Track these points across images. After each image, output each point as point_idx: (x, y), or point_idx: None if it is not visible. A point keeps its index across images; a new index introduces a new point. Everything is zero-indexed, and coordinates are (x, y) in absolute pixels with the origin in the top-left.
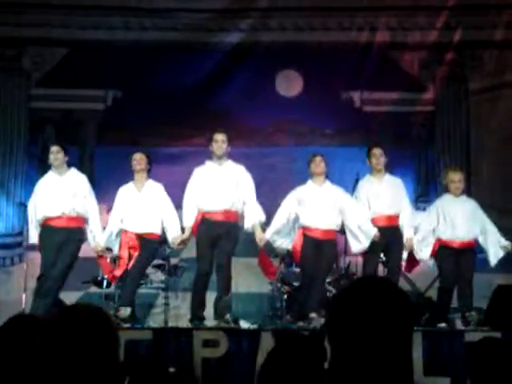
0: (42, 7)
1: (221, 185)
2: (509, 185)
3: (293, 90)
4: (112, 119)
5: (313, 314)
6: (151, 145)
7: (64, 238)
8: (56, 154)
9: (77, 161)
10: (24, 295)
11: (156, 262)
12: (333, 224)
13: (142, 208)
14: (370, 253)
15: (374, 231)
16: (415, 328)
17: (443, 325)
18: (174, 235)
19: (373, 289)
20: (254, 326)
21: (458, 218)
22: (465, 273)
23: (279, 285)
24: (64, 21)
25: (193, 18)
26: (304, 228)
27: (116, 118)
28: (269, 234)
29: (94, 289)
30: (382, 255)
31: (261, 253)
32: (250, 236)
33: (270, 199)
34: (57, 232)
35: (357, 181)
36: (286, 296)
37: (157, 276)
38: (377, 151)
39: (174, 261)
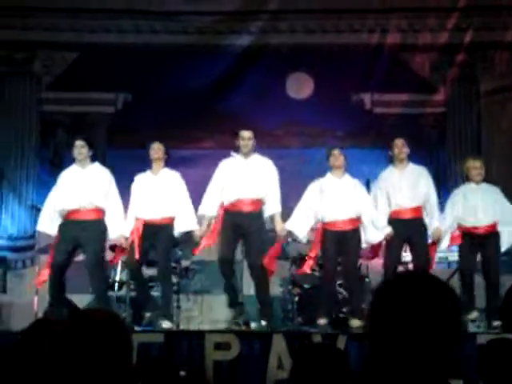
0: (52, 11)
1: (246, 176)
2: None
3: (303, 92)
4: (122, 122)
5: (356, 323)
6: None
7: (83, 232)
8: (80, 148)
9: None
10: (36, 298)
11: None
12: (354, 213)
13: (158, 192)
14: (390, 246)
15: (387, 230)
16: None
17: (474, 314)
18: (188, 226)
19: (419, 284)
20: (266, 328)
21: (479, 203)
22: (491, 260)
23: (290, 287)
24: (74, 24)
25: (203, 21)
26: (324, 223)
27: (126, 120)
28: (289, 225)
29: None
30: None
31: (276, 247)
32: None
33: (280, 201)
34: (75, 225)
35: (368, 183)
36: (297, 298)
37: None
38: (399, 142)
39: (185, 263)
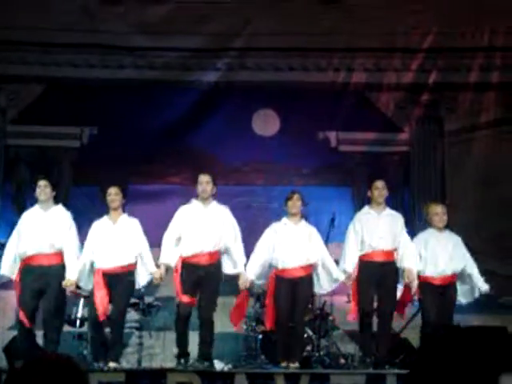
0: (19, 44)
1: (205, 228)
2: (484, 226)
3: (269, 130)
4: (88, 157)
5: (284, 363)
6: (128, 182)
7: (44, 277)
8: (44, 188)
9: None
10: None
11: (130, 300)
12: (309, 260)
13: (117, 240)
14: (362, 290)
15: (341, 277)
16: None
17: None
18: (151, 270)
19: (469, 343)
20: (229, 366)
21: (440, 253)
22: (446, 311)
23: (254, 324)
24: (40, 58)
25: (169, 57)
26: (277, 270)
27: (92, 155)
28: (251, 274)
29: (66, 328)
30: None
31: (242, 296)
32: (226, 275)
33: (245, 238)
34: (36, 270)
35: (332, 220)
36: (260, 336)
37: (131, 315)
38: (379, 184)
39: (148, 299)
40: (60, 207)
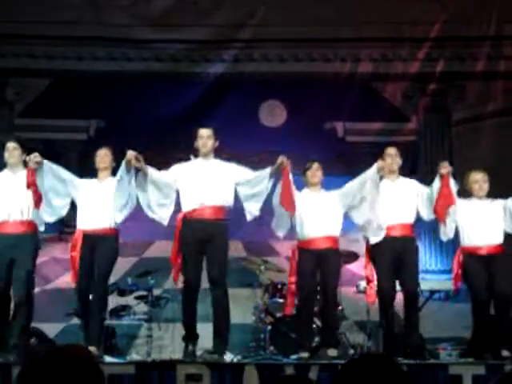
0: (25, 38)
1: (207, 179)
2: None
3: (276, 121)
4: (95, 149)
5: (333, 352)
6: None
7: (13, 248)
8: (12, 150)
9: None
10: None
11: (139, 293)
12: (335, 230)
13: (102, 200)
14: (381, 268)
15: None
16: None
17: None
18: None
19: (372, 367)
20: (238, 358)
21: (480, 222)
22: (498, 283)
23: (263, 315)
24: (46, 51)
25: (176, 49)
26: (300, 241)
27: (99, 148)
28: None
29: (76, 320)
30: None
31: (285, 176)
32: (233, 265)
33: (252, 229)
34: (4, 240)
35: None
36: (269, 327)
37: (140, 307)
38: (392, 150)
39: (156, 292)
40: None
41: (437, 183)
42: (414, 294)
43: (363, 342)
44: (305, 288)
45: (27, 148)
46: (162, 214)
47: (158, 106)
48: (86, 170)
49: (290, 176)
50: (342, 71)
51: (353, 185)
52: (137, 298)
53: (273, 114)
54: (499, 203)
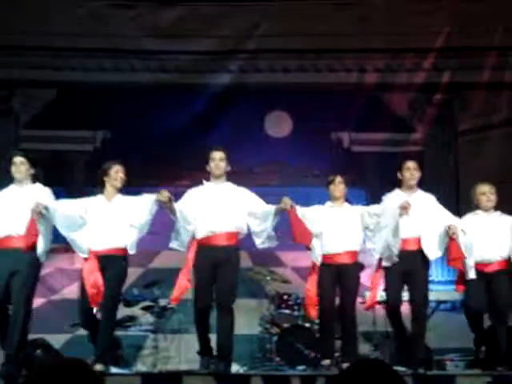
0: (31, 49)
1: (220, 205)
2: None
3: (282, 131)
4: (101, 160)
5: (326, 361)
6: (140, 186)
7: (17, 263)
8: (19, 165)
9: None
10: None
11: (145, 303)
12: (353, 245)
13: (113, 220)
14: (388, 282)
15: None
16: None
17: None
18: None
19: (369, 372)
20: (244, 368)
21: (486, 237)
22: (496, 300)
23: (269, 326)
24: (53, 62)
25: (182, 60)
26: (321, 257)
27: (105, 159)
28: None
29: (82, 331)
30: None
31: (292, 216)
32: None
33: None
34: (8, 255)
35: None
36: (275, 338)
37: (146, 318)
38: (411, 164)
39: (163, 302)
40: (38, 185)
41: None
42: (421, 307)
43: (369, 353)
44: (325, 300)
45: (34, 161)
46: (183, 241)
47: (164, 116)
48: (92, 180)
49: (298, 213)
50: (348, 82)
51: (378, 209)
52: (143, 308)
53: (279, 125)
54: (508, 220)
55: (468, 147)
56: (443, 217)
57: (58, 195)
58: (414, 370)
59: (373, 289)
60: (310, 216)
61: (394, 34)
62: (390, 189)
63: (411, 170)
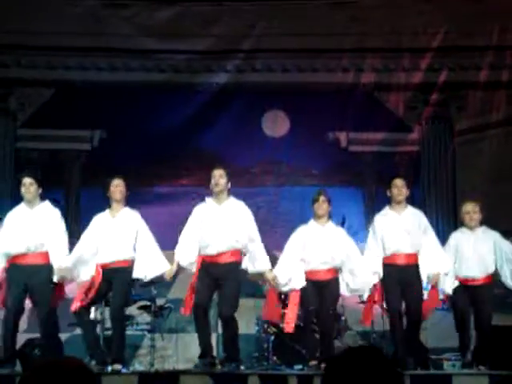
0: (28, 48)
1: (221, 226)
2: (495, 225)
3: (279, 131)
4: (98, 159)
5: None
6: (138, 185)
7: (31, 277)
8: (29, 186)
9: (63, 201)
10: None
11: (142, 303)
12: (334, 263)
13: (115, 234)
14: (389, 291)
15: (369, 284)
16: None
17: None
18: (161, 265)
19: (362, 359)
20: (242, 368)
21: (470, 254)
22: (480, 312)
23: (266, 326)
24: (49, 61)
25: (178, 59)
26: (305, 272)
27: (102, 158)
28: (279, 275)
29: (78, 331)
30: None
31: (271, 293)
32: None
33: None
34: (23, 270)
35: (343, 221)
36: (272, 337)
37: (143, 317)
38: (398, 182)
39: (160, 302)
40: (47, 204)
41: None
42: (417, 315)
43: None
44: (308, 311)
45: (42, 182)
46: (191, 261)
47: (160, 116)
48: (89, 179)
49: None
50: (345, 81)
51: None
52: (140, 308)
53: (276, 125)
54: (492, 235)
55: (465, 147)
56: (427, 244)
57: (55, 195)
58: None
59: (376, 302)
60: (298, 246)
61: (391, 33)
62: (384, 188)
63: (399, 188)
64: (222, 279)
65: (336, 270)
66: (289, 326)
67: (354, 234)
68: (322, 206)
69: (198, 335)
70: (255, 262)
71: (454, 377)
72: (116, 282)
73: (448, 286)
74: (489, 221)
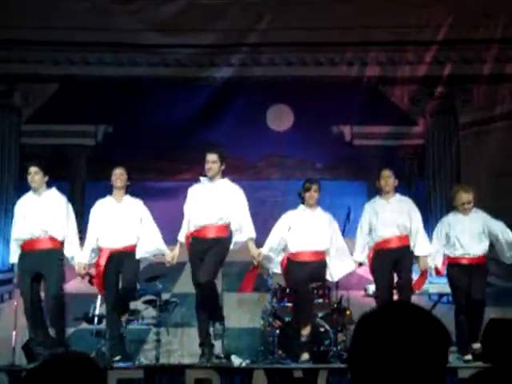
0: (32, 43)
1: (211, 201)
2: (500, 218)
3: (283, 125)
4: (103, 154)
5: (305, 356)
6: (143, 180)
7: (41, 261)
8: (34, 175)
9: (68, 196)
10: (14, 332)
11: (147, 297)
12: (322, 246)
13: (122, 220)
14: (379, 274)
15: (345, 271)
16: None
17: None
18: (160, 248)
19: (403, 315)
20: (247, 362)
21: (464, 235)
22: (476, 290)
23: (271, 319)
24: (54, 56)
25: (183, 54)
26: (290, 253)
27: (107, 153)
28: (265, 250)
29: (84, 325)
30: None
31: (253, 270)
32: (242, 269)
33: (260, 233)
34: (32, 255)
35: (348, 214)
36: (277, 331)
37: (148, 312)
38: (386, 172)
39: (165, 296)
40: (54, 191)
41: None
42: (408, 292)
43: None
44: (300, 293)
45: (47, 169)
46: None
47: (165, 110)
48: (94, 173)
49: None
50: (349, 75)
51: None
52: (145, 302)
53: (280, 118)
54: (481, 217)
55: (469, 140)
56: (414, 229)
57: (60, 189)
58: None
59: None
60: (284, 228)
61: (396, 26)
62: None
63: (385, 178)
64: (207, 250)
65: (323, 253)
66: None
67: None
68: (313, 196)
69: (198, 322)
70: (241, 232)
71: (459, 370)
72: (126, 262)
73: (439, 261)
74: (493, 213)
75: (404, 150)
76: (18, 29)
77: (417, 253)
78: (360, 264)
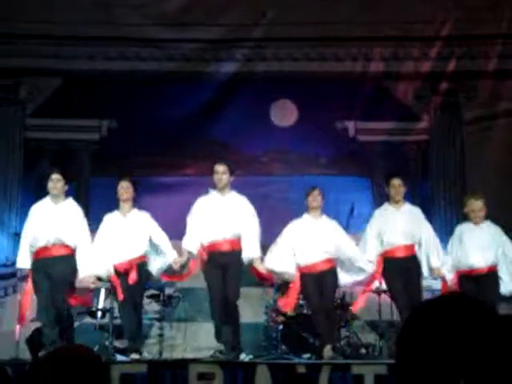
0: (38, 38)
1: (224, 215)
2: (505, 214)
3: (288, 120)
4: (107, 149)
5: (328, 349)
6: (147, 175)
7: (53, 268)
8: (56, 182)
9: (72, 191)
10: (18, 326)
11: (151, 292)
12: (331, 255)
13: (128, 234)
14: (391, 282)
15: (369, 269)
16: None
17: None
18: (172, 258)
19: (462, 312)
20: (250, 357)
21: (473, 247)
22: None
23: (274, 315)
24: (59, 51)
25: (188, 48)
26: (301, 267)
27: (111, 148)
28: (269, 263)
29: (88, 319)
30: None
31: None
32: (245, 264)
33: (264, 228)
34: (45, 262)
35: (352, 210)
36: (281, 326)
37: (151, 306)
38: (396, 181)
39: (168, 291)
40: (71, 201)
41: None
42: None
43: (375, 342)
44: (313, 306)
45: (69, 178)
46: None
47: (169, 105)
48: (98, 168)
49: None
50: (354, 70)
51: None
52: (149, 297)
53: (284, 114)
54: (495, 231)
55: (474, 136)
56: (426, 238)
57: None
58: None
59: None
60: (291, 239)
61: (400, 22)
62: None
63: (396, 187)
64: (226, 267)
65: (332, 260)
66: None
67: (362, 223)
68: (316, 199)
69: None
70: (248, 251)
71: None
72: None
73: (446, 271)
74: (498, 209)
75: (408, 146)
76: (23, 23)
77: (433, 264)
78: None
